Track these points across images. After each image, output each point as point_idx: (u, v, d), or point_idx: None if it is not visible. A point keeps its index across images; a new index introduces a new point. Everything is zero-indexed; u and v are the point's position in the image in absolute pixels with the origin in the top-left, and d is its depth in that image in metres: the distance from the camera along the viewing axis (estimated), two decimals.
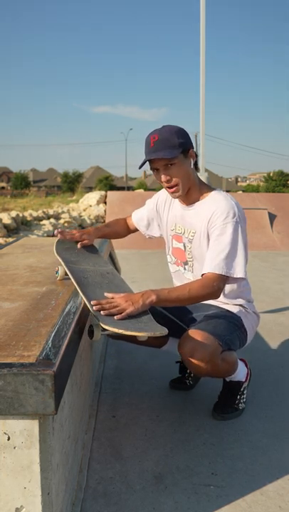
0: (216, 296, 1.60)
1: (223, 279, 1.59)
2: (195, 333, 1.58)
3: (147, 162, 1.65)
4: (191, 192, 1.73)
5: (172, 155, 1.58)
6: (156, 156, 1.59)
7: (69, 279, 1.61)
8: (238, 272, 1.60)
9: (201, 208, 1.72)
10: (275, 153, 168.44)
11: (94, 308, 1.38)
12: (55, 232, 1.85)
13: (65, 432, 1.19)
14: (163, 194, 1.92)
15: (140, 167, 1.69)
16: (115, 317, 1.36)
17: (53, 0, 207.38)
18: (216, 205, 1.66)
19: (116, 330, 1.29)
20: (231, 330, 1.69)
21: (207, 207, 1.69)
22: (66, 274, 1.67)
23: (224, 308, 1.79)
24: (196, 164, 1.72)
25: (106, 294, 1.48)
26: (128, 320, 1.37)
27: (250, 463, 1.51)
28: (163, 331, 1.34)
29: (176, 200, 1.83)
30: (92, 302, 1.40)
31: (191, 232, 1.75)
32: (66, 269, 1.64)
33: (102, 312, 1.37)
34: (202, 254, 1.72)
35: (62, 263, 1.69)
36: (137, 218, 2.03)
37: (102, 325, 1.31)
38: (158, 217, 1.95)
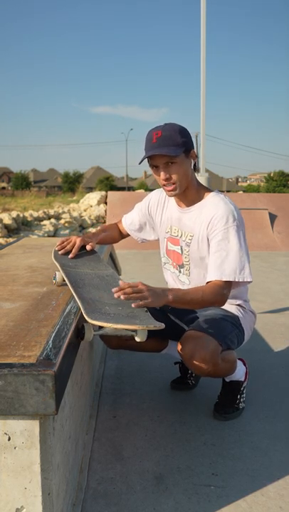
0: (223, 304, 1.60)
1: (231, 285, 1.60)
2: (195, 334, 1.58)
3: (146, 159, 1.62)
4: (188, 193, 1.70)
5: (175, 153, 1.56)
6: (159, 152, 1.56)
7: (66, 284, 1.53)
8: (247, 275, 1.59)
9: (199, 211, 1.69)
10: (276, 154, 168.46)
11: (115, 295, 1.33)
12: (56, 248, 1.76)
13: (66, 432, 1.19)
14: (154, 196, 1.88)
15: (140, 162, 1.66)
16: (133, 304, 1.31)
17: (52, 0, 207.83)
18: (215, 209, 1.64)
19: (105, 324, 1.20)
20: (230, 329, 1.69)
21: (206, 210, 1.67)
22: (64, 279, 1.58)
23: (222, 308, 1.78)
24: (195, 165, 1.70)
25: (121, 285, 1.37)
26: (122, 316, 1.29)
27: (251, 463, 1.51)
28: (158, 324, 1.24)
29: (171, 201, 1.81)
30: (113, 290, 1.34)
31: (189, 236, 1.72)
32: (62, 272, 1.58)
33: (122, 297, 1.31)
34: (200, 257, 1.71)
35: (60, 267, 1.62)
36: (128, 223, 1.98)
37: (89, 319, 1.20)
38: (151, 220, 1.91)
